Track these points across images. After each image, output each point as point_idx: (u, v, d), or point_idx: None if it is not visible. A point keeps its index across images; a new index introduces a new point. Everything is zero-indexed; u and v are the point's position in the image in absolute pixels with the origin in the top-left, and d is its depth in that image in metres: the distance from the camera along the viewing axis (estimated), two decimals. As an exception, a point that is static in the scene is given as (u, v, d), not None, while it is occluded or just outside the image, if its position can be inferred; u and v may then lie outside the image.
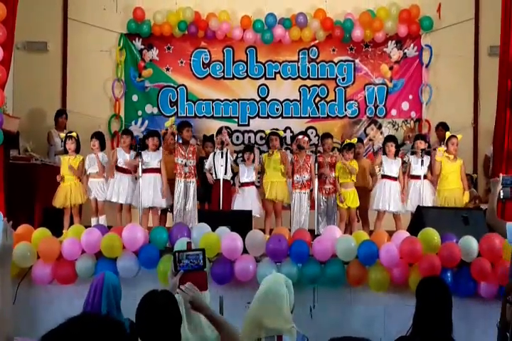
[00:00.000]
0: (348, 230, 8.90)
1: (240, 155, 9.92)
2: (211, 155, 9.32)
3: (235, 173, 9.45)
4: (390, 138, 9.49)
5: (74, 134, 9.10)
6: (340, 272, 6.66)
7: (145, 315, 3.11)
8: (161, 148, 9.23)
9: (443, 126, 10.35)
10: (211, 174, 9.26)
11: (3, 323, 2.55)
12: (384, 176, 9.17)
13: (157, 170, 9.06)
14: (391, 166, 9.14)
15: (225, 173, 9.14)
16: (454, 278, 6.51)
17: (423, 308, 3.92)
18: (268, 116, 11.46)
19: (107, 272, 4.62)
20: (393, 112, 11.43)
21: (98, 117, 11.13)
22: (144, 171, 8.79)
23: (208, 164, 9.30)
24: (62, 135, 9.32)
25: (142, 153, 8.88)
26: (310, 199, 9.13)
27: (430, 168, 9.11)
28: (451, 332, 3.86)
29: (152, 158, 9.02)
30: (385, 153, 9.31)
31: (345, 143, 9.32)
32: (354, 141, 9.44)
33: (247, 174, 9.22)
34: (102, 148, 9.25)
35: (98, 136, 9.32)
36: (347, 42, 11.38)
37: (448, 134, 9.28)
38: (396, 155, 9.27)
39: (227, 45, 11.49)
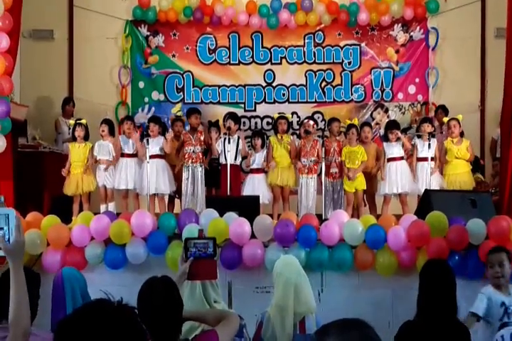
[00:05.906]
0: (355, 214, 8.91)
1: (247, 140, 9.89)
2: (221, 140, 9.28)
3: (243, 158, 9.45)
4: (394, 126, 9.39)
5: (84, 121, 9.12)
6: (348, 256, 6.68)
7: (146, 302, 3.13)
8: (167, 135, 9.24)
9: (443, 109, 10.30)
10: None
11: (21, 317, 2.60)
12: (388, 159, 9.14)
13: (159, 157, 9.08)
14: (393, 149, 9.11)
15: (235, 159, 9.16)
16: (462, 261, 6.52)
17: (426, 289, 3.95)
18: (274, 102, 11.43)
19: (64, 269, 4.58)
20: (400, 96, 11.38)
21: (105, 104, 11.12)
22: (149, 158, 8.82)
23: (219, 148, 9.27)
24: (72, 122, 9.34)
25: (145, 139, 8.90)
26: (317, 184, 9.14)
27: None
28: (455, 313, 3.88)
29: (153, 144, 9.02)
30: (387, 140, 9.26)
31: (347, 124, 9.34)
32: (355, 121, 9.45)
33: (256, 161, 9.24)
34: (111, 134, 9.28)
35: (107, 122, 9.34)
36: (353, 26, 11.31)
37: (445, 119, 9.27)
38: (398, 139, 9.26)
39: (232, 31, 11.44)
